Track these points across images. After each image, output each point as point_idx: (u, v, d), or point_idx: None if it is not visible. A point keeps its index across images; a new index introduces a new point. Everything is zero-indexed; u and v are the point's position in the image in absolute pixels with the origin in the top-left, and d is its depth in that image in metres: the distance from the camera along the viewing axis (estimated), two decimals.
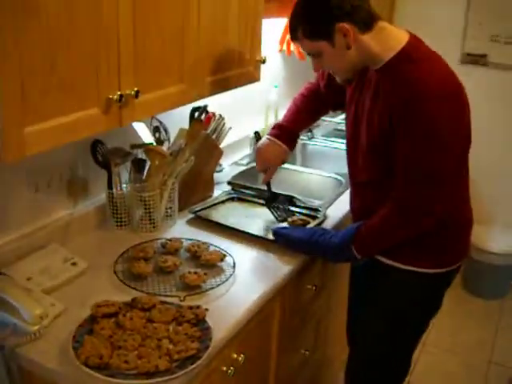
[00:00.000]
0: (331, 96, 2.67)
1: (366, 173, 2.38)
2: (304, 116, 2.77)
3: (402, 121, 2.09)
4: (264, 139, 2.73)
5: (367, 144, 2.29)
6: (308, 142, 3.95)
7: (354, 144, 2.40)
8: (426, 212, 2.21)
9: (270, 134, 2.71)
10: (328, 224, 2.77)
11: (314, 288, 2.69)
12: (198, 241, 2.47)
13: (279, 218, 2.78)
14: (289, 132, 2.70)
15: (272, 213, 2.82)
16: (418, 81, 2.05)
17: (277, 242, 2.51)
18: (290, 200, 2.91)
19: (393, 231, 2.29)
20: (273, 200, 2.88)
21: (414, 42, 2.16)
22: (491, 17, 4.50)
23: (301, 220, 2.73)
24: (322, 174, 3.39)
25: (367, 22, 2.10)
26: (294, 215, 2.79)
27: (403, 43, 2.13)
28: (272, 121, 3.80)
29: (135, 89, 1.99)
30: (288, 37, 3.42)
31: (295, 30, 2.17)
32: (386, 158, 2.22)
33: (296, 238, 2.46)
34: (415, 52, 2.12)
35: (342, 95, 2.51)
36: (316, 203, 2.93)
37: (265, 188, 2.88)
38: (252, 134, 3.57)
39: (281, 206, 2.87)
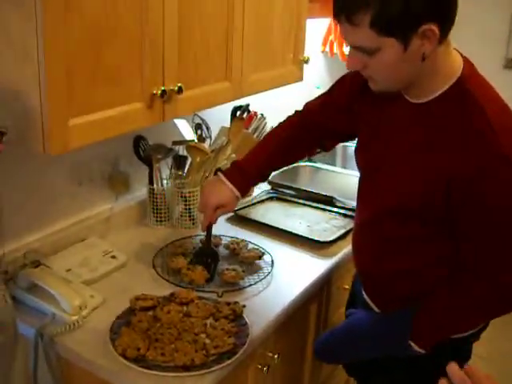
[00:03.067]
0: (322, 130, 2.19)
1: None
2: (275, 157, 2.25)
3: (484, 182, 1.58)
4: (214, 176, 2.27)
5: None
6: (348, 143, 3.92)
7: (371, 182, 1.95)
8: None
9: (223, 172, 2.20)
10: None
11: (346, 287, 2.67)
12: (237, 238, 2.48)
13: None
14: (246, 174, 2.18)
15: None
16: (494, 137, 1.56)
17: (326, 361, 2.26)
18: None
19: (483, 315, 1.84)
20: (206, 255, 2.28)
21: (469, 67, 1.69)
22: None
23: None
24: None
25: (449, 29, 1.59)
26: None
27: (460, 68, 1.66)
28: None
29: (178, 84, 2.00)
30: (331, 38, 3.40)
31: (352, 13, 1.52)
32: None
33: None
34: (475, 83, 1.66)
35: (336, 129, 2.15)
36: (355, 204, 2.91)
37: (305, 188, 2.85)
38: None
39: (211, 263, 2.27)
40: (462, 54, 1.70)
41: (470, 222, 1.65)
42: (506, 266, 1.68)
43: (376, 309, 2.02)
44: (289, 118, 2.30)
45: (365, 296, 2.08)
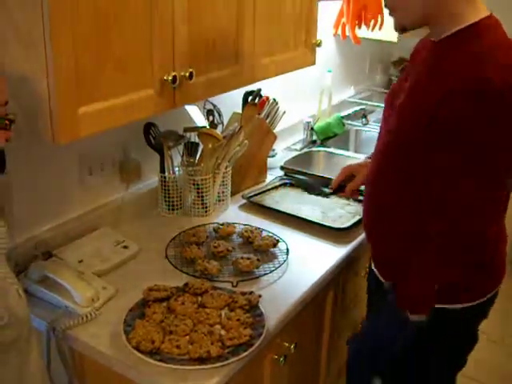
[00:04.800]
0: None
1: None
2: None
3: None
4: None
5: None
6: (362, 128, 3.88)
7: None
8: None
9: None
10: None
11: (365, 275, 2.64)
12: (251, 226, 2.44)
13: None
14: None
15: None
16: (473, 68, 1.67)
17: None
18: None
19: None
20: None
21: (494, 21, 1.79)
22: None
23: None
24: None
25: None
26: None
27: (479, 17, 1.75)
28: (325, 106, 3.75)
29: (190, 70, 1.96)
30: (343, 20, 3.35)
31: None
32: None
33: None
34: (488, 28, 1.76)
35: None
36: None
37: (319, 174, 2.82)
38: (306, 119, 3.54)
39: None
40: (492, 15, 1.79)
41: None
42: None
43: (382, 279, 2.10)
44: None
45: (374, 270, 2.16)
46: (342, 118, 3.70)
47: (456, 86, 1.66)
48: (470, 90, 1.64)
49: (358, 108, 4.11)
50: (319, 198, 2.81)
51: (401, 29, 1.86)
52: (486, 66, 1.64)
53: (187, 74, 1.95)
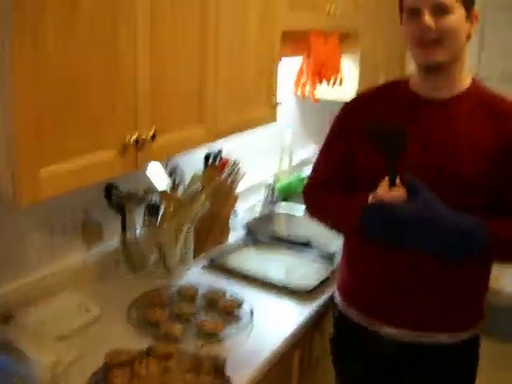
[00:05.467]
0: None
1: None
2: None
3: None
4: None
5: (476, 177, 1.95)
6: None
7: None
8: None
9: None
10: None
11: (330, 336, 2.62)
12: (215, 287, 2.41)
13: None
14: None
15: None
16: None
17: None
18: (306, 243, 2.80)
19: None
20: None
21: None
22: None
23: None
24: None
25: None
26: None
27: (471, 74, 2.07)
28: (287, 165, 3.77)
29: (152, 130, 1.95)
30: (302, 80, 3.39)
31: None
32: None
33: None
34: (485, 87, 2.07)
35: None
36: (332, 248, 2.87)
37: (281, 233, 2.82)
38: (267, 179, 3.55)
39: None
40: None
41: None
42: None
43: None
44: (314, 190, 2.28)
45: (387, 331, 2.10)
46: (304, 176, 3.72)
47: None
48: None
49: None
50: (283, 256, 2.79)
51: (439, 64, 1.95)
52: None
53: (150, 135, 1.94)
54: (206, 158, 2.90)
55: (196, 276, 2.58)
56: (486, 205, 1.95)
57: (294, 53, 3.22)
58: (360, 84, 3.79)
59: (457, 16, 1.90)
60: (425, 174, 1.89)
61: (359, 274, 2.16)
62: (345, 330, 2.26)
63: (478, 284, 2.11)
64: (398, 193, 1.81)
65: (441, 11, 1.89)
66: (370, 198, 1.87)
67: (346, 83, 3.65)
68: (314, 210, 2.26)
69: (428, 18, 1.89)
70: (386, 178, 1.83)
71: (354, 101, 2.28)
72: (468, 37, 1.96)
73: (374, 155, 1.90)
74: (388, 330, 2.08)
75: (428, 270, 2.00)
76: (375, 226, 1.85)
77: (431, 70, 1.98)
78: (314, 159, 2.32)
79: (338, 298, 2.26)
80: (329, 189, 2.19)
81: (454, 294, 2.04)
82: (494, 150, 1.93)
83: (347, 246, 2.23)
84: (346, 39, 3.64)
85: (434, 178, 1.91)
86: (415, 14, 1.92)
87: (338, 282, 2.28)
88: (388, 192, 1.82)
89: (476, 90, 2.03)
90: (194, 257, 2.71)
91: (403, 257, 1.97)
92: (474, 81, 2.05)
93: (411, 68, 2.12)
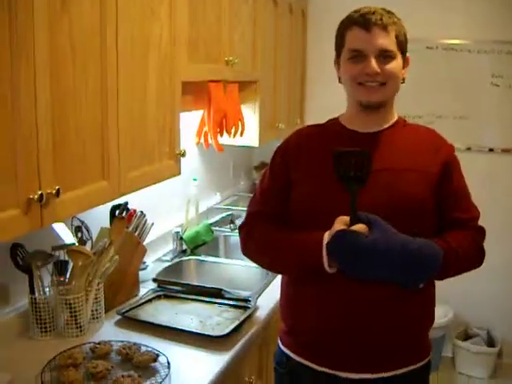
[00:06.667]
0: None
1: None
2: None
3: (455, 161, 2.18)
4: None
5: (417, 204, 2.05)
6: (230, 233, 3.92)
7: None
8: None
9: None
10: (261, 314, 2.73)
11: (251, 381, 2.62)
12: (129, 342, 2.36)
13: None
14: None
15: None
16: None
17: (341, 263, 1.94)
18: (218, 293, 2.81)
19: (474, 256, 2.16)
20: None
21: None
22: None
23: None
24: (246, 264, 3.29)
25: None
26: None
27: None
28: (193, 214, 3.77)
29: (56, 187, 1.91)
30: (205, 129, 3.42)
31: (387, 23, 2.05)
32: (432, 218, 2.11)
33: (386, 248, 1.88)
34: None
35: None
36: (244, 294, 2.88)
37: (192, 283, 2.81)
38: (174, 229, 3.54)
39: None
40: None
41: (455, 181, 2.15)
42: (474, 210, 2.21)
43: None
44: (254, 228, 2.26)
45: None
46: (211, 224, 3.74)
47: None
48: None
49: (225, 214, 4.18)
50: (195, 306, 2.78)
51: (379, 104, 2.11)
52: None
53: (54, 192, 1.91)
54: (113, 210, 2.88)
55: (109, 332, 2.53)
56: (434, 224, 2.11)
57: (196, 107, 3.25)
58: (260, 132, 3.86)
59: (398, 61, 2.08)
60: (377, 204, 1.98)
61: (300, 313, 2.17)
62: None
63: (424, 317, 2.17)
64: (359, 225, 1.88)
65: (385, 57, 2.05)
66: (330, 233, 1.91)
67: (247, 132, 3.70)
68: (252, 247, 2.25)
69: (374, 65, 2.03)
70: (341, 216, 1.91)
71: (296, 135, 2.29)
72: (403, 79, 2.14)
73: (313, 188, 2.10)
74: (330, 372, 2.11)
75: (375, 311, 2.03)
76: (344, 256, 1.88)
77: (370, 107, 2.11)
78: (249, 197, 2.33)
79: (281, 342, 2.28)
80: (270, 224, 2.20)
81: (402, 332, 2.08)
82: (436, 172, 2.09)
83: (287, 285, 2.23)
84: (245, 88, 3.71)
85: (386, 204, 2.00)
86: (358, 56, 2.05)
87: (280, 324, 2.30)
88: (347, 226, 1.89)
89: (403, 122, 2.21)
90: (106, 312, 2.66)
91: (346, 294, 2.02)
92: (399, 117, 2.23)
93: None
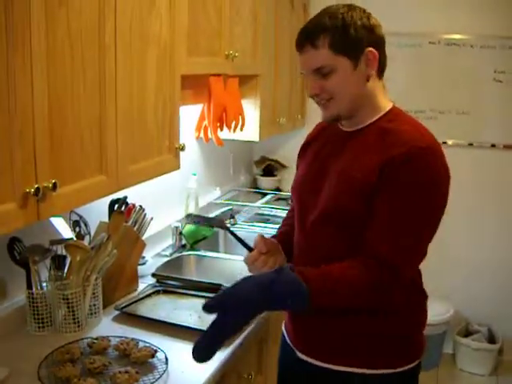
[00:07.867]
0: None
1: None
2: None
3: (399, 173, 1.91)
4: None
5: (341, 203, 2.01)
6: (230, 228, 3.89)
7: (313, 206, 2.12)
8: (403, 275, 1.94)
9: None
10: None
11: (249, 377, 2.60)
12: (127, 338, 2.35)
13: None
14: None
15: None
16: (415, 137, 1.95)
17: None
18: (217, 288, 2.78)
19: (363, 291, 1.93)
20: None
21: (398, 109, 2.13)
22: None
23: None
24: None
25: (383, 68, 2.07)
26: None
27: (391, 106, 2.11)
28: (192, 209, 3.75)
29: (53, 181, 1.89)
30: (205, 123, 3.39)
31: (315, 38, 1.95)
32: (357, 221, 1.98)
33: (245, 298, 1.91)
34: (403, 115, 2.09)
35: None
36: None
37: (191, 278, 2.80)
38: (174, 224, 3.53)
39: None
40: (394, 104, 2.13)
41: (385, 200, 1.93)
42: (392, 242, 1.92)
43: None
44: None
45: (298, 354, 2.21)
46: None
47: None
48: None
49: (225, 209, 4.15)
50: (194, 301, 2.76)
51: (333, 118, 2.09)
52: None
53: (51, 185, 1.89)
54: (111, 205, 2.86)
55: (107, 327, 2.51)
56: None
57: (196, 101, 3.23)
58: (261, 127, 3.84)
59: (340, 72, 1.98)
60: (321, 206, 2.08)
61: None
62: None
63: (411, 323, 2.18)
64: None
65: (323, 74, 1.99)
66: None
67: (248, 126, 3.68)
68: None
69: (313, 85, 2.03)
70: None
71: (314, 128, 2.41)
72: (368, 79, 2.01)
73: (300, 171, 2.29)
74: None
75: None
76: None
77: (338, 118, 2.10)
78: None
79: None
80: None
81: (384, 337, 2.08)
82: (374, 179, 1.94)
83: None
84: (246, 83, 3.69)
85: (324, 209, 2.07)
86: (305, 77, 2.08)
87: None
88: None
89: (391, 117, 2.06)
90: (104, 307, 2.64)
91: None
92: (386, 113, 2.07)
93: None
